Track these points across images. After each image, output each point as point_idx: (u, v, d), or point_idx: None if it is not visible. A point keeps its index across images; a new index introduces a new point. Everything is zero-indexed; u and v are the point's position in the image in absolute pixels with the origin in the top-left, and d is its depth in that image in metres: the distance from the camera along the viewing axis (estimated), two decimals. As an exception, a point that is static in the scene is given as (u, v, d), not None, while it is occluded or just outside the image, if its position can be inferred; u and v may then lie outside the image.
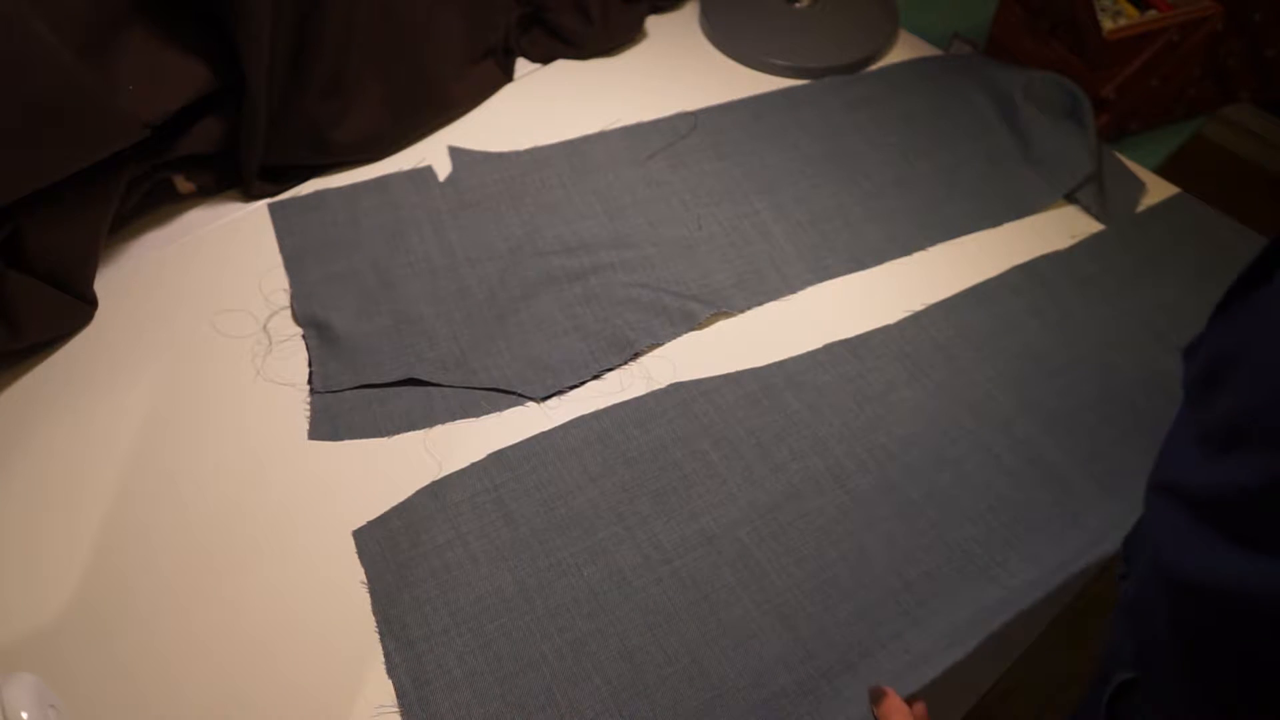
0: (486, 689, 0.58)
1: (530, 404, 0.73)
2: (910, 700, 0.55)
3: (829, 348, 0.77)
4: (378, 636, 0.61)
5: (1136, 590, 0.43)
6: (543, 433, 0.71)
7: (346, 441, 0.70)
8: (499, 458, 0.69)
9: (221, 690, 0.59)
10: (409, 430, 0.71)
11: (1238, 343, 0.35)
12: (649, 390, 0.74)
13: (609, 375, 0.75)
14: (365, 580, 0.63)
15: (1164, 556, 0.37)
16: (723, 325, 0.79)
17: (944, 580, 0.64)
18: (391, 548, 0.65)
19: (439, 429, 0.71)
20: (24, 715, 0.51)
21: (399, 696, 0.58)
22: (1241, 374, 0.34)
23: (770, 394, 0.74)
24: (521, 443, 0.70)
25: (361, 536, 0.65)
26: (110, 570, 0.64)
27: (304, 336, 0.76)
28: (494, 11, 0.99)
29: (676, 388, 0.74)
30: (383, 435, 0.71)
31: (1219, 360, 0.36)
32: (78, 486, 0.68)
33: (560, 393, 0.74)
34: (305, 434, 0.71)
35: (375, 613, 0.62)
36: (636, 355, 0.76)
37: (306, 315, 0.77)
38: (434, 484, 0.68)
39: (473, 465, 0.69)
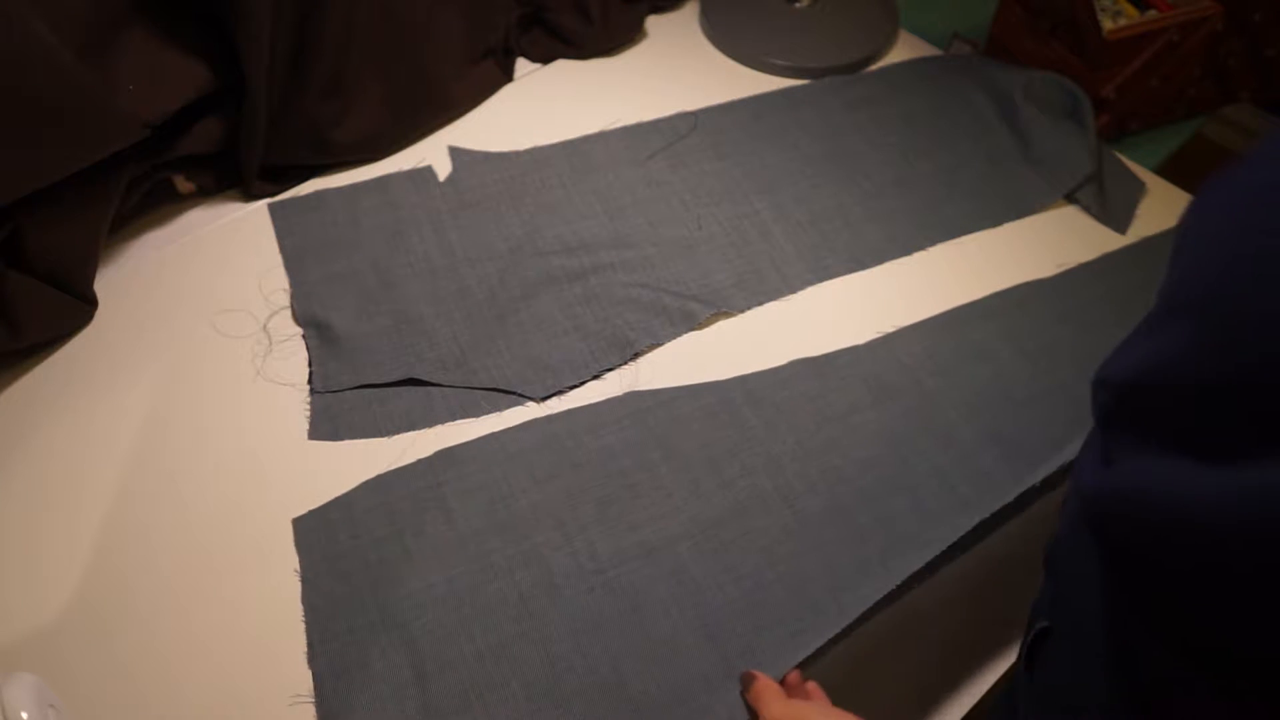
0: (404, 687, 0.58)
1: (530, 403, 0.73)
2: (783, 679, 0.55)
3: (792, 365, 0.76)
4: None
5: (1060, 531, 0.42)
6: (493, 433, 0.70)
7: (346, 442, 0.70)
8: (446, 455, 0.69)
9: (220, 688, 0.59)
10: (409, 430, 0.71)
11: (1182, 233, 0.34)
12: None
13: (609, 375, 0.75)
14: (299, 569, 0.63)
15: (1093, 455, 0.36)
16: (723, 325, 0.79)
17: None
18: (329, 539, 0.65)
19: (439, 429, 0.71)
20: (24, 715, 0.51)
21: (316, 688, 0.58)
22: (1177, 256, 0.33)
23: (728, 408, 0.73)
24: (471, 442, 0.70)
25: (300, 526, 0.65)
26: (110, 570, 0.64)
27: (304, 336, 0.76)
28: (494, 11, 0.99)
29: (633, 396, 0.73)
30: (383, 435, 0.71)
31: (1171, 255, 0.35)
32: (78, 486, 0.68)
33: (560, 393, 0.74)
34: (305, 434, 0.71)
35: (304, 602, 0.62)
36: (637, 355, 0.76)
37: (306, 315, 0.77)
38: (377, 478, 0.68)
39: (419, 461, 0.69)
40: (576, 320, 0.78)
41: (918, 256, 0.85)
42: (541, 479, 0.68)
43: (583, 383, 0.74)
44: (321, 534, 0.65)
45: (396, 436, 0.71)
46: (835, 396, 0.74)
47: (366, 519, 0.66)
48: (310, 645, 0.60)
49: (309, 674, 0.59)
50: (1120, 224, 0.88)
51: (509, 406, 0.73)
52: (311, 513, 0.66)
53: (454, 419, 0.72)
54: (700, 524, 0.66)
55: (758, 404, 0.73)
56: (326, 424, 0.71)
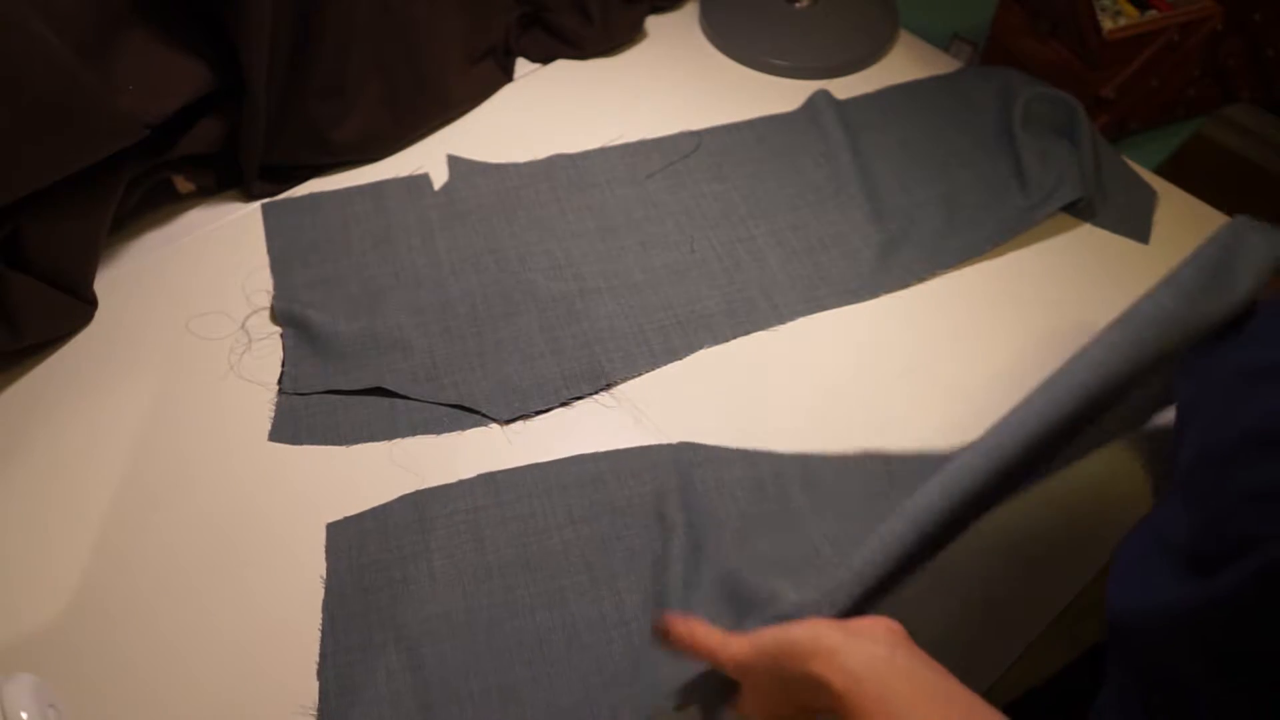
0: (406, 713, 0.57)
1: (493, 425, 0.72)
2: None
3: (862, 456, 0.70)
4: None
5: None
6: (539, 463, 0.69)
7: (361, 448, 0.70)
8: (488, 480, 0.68)
9: (218, 687, 0.59)
10: (369, 441, 0.70)
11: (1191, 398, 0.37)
12: (653, 439, 0.71)
13: (578, 403, 0.73)
14: (324, 575, 0.63)
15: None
16: (705, 353, 0.77)
17: None
18: (359, 548, 0.64)
19: (401, 441, 0.71)
20: (24, 715, 0.51)
21: (320, 701, 0.58)
22: (1192, 428, 0.36)
23: (778, 483, 0.68)
24: (515, 469, 0.69)
25: (333, 531, 0.65)
26: (110, 570, 0.64)
27: (281, 336, 0.76)
28: (494, 11, 0.99)
29: (686, 447, 0.70)
30: (341, 444, 0.70)
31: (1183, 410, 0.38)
32: (78, 487, 0.68)
33: (525, 416, 0.72)
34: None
35: (324, 610, 0.62)
36: (609, 385, 0.74)
37: (285, 316, 0.77)
38: (416, 493, 0.67)
39: (460, 482, 0.68)
40: (555, 344, 0.77)
41: (914, 289, 0.82)
42: (578, 519, 0.66)
43: (550, 409, 0.73)
44: (353, 542, 0.64)
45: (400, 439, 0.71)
46: (899, 494, 0.67)
47: (399, 534, 0.65)
48: (322, 656, 0.59)
49: (313, 685, 0.59)
50: (1141, 234, 0.86)
51: (472, 426, 0.72)
52: (347, 519, 0.66)
53: (414, 433, 0.71)
54: (723, 590, 0.62)
55: (812, 486, 0.68)
56: (289, 426, 0.71)
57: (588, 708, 0.58)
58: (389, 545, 0.64)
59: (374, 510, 0.66)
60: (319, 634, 0.61)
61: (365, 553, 0.64)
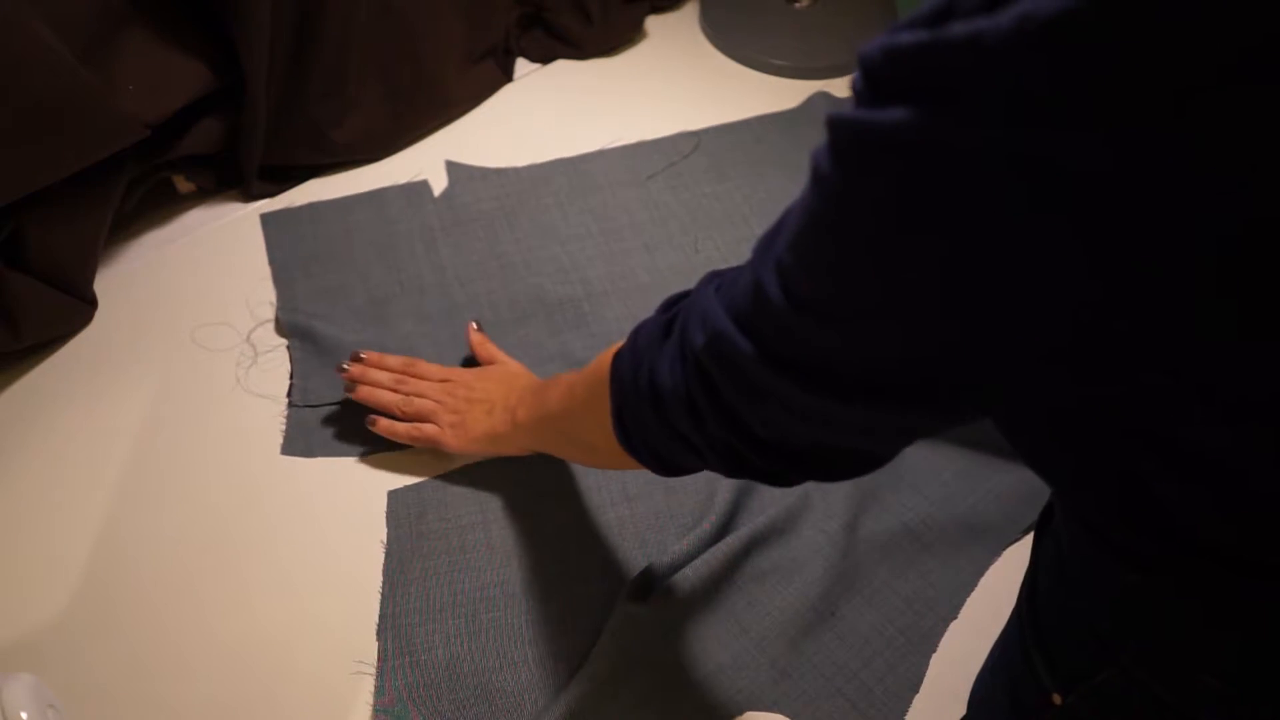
0: (462, 676, 0.59)
1: None
2: None
3: None
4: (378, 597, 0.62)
5: None
6: None
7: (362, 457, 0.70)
8: (546, 455, 0.68)
9: (219, 686, 0.59)
10: (384, 451, 0.70)
11: None
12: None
13: None
14: (384, 541, 0.65)
15: None
16: None
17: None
18: (419, 515, 0.66)
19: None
20: (24, 715, 0.51)
21: (379, 660, 0.59)
22: None
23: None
24: None
25: (394, 498, 0.67)
26: (111, 570, 0.64)
27: (288, 348, 0.76)
28: (494, 11, 0.99)
29: None
30: (355, 455, 0.70)
31: None
32: (78, 486, 0.68)
33: None
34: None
35: (384, 574, 0.63)
36: None
37: (291, 328, 0.77)
38: (478, 465, 0.69)
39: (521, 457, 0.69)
40: (564, 347, 0.77)
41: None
42: (633, 495, 0.68)
43: None
44: (413, 509, 0.66)
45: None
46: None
47: (458, 503, 0.67)
48: (381, 618, 0.61)
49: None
50: None
51: None
52: (408, 487, 0.67)
53: None
54: (777, 567, 0.64)
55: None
56: (300, 439, 0.71)
57: (626, 670, 0.59)
58: (447, 514, 0.66)
59: (434, 480, 0.68)
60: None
61: (425, 520, 0.66)
